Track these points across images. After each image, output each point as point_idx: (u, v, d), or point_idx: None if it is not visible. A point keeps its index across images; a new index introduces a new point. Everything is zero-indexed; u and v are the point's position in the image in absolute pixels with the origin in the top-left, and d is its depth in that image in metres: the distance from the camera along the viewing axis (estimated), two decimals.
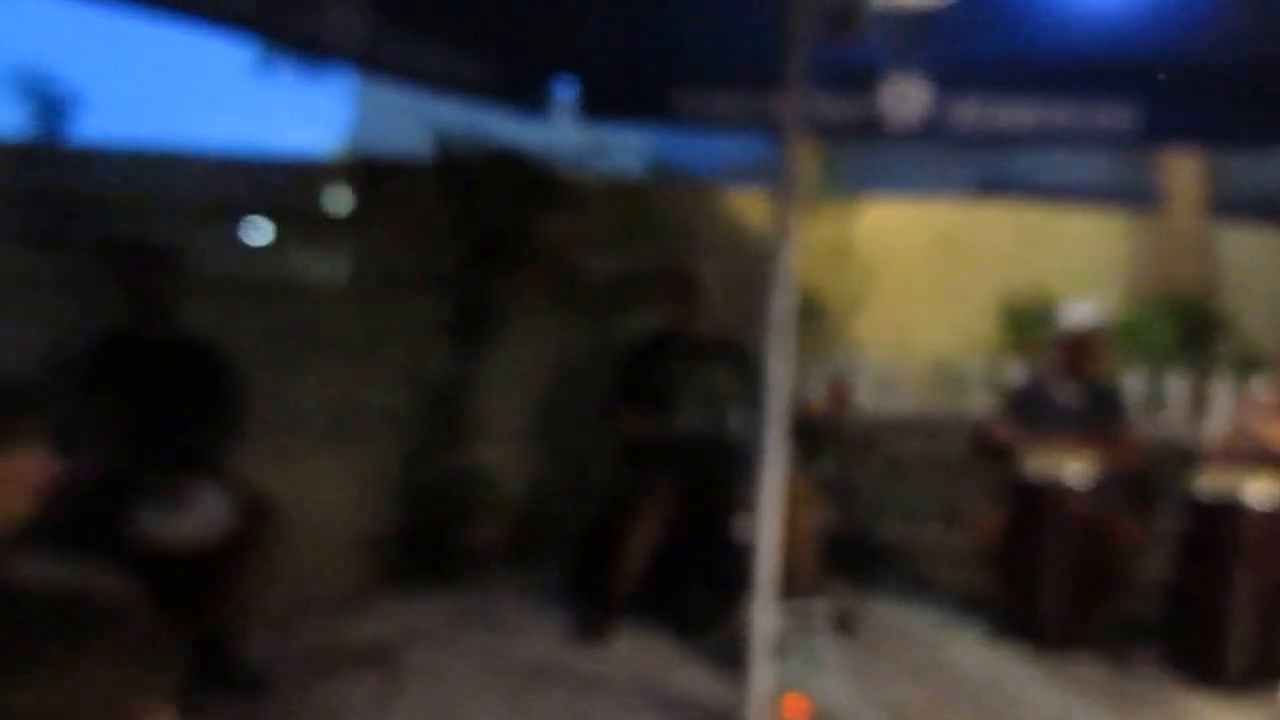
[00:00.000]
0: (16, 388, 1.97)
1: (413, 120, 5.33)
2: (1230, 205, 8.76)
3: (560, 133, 5.43)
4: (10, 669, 0.82)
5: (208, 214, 5.34)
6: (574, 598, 5.04)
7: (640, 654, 4.61)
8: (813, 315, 5.99)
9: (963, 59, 4.85)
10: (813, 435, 5.18)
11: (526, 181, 5.44)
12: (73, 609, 0.91)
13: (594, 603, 4.83)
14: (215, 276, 4.94)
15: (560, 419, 5.77)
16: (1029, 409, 5.16)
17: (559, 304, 5.70)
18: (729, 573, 4.52)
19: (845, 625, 4.84)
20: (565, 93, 5.46)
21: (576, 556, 5.19)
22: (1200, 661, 4.54)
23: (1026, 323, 6.56)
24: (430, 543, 5.35)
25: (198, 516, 3.96)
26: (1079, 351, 5.15)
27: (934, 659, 4.72)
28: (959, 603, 5.29)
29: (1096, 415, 5.10)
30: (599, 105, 5.37)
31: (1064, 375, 5.18)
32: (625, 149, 5.93)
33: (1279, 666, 4.49)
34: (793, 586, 4.31)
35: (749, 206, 6.26)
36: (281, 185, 5.50)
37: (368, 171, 5.49)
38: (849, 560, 5.40)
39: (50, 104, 4.93)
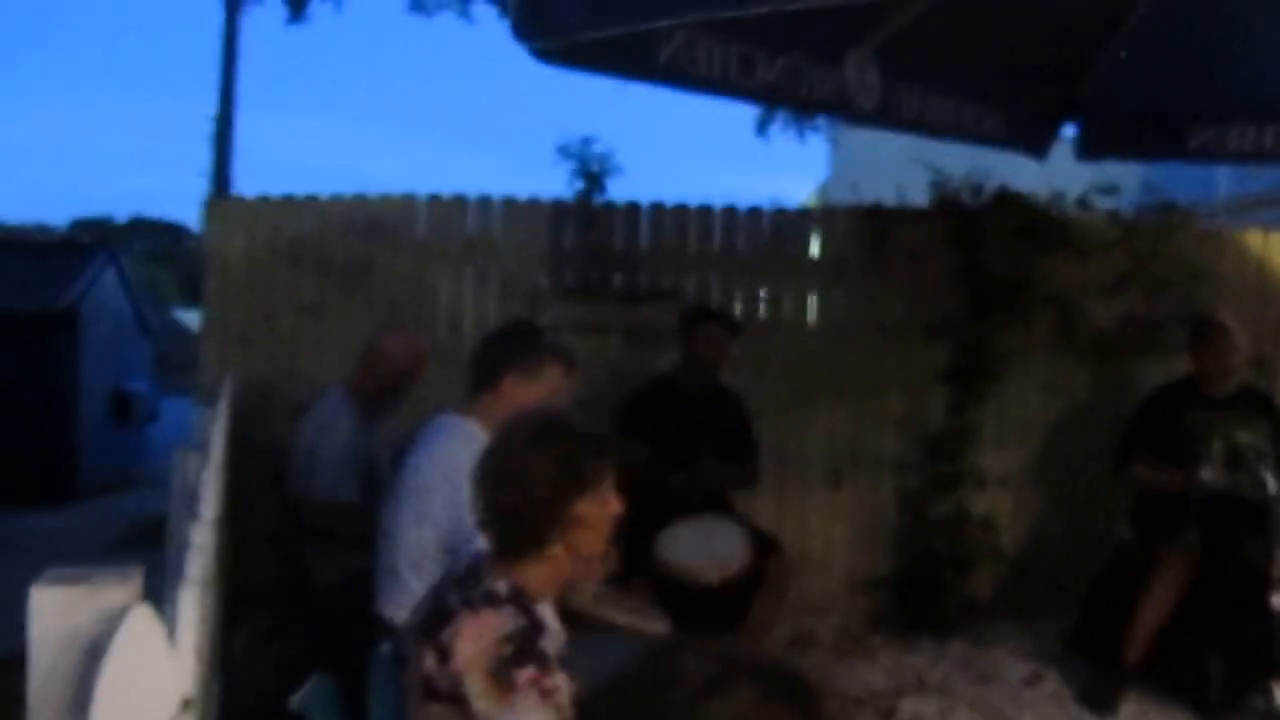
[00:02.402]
0: (600, 431, 2.18)
1: (899, 164, 5.37)
2: None
3: (1060, 171, 5.26)
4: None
5: (715, 264, 5.62)
6: (1078, 659, 4.82)
7: None
8: None
9: None
10: None
11: (1029, 225, 5.29)
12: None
13: (1102, 668, 4.60)
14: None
15: (1062, 469, 5.54)
16: None
17: (1063, 350, 5.49)
18: (1258, 646, 4.16)
19: None
20: (1068, 131, 5.30)
21: (1081, 615, 4.95)
22: None
23: None
24: (924, 589, 5.33)
25: (720, 553, 4.22)
26: None
27: None
28: None
29: None
30: (1104, 143, 5.17)
31: None
32: (1124, 186, 5.60)
33: None
34: None
35: (1265, 244, 5.74)
36: (778, 233, 5.70)
37: (867, 218, 5.57)
38: None
39: (592, 168, 5.45)
